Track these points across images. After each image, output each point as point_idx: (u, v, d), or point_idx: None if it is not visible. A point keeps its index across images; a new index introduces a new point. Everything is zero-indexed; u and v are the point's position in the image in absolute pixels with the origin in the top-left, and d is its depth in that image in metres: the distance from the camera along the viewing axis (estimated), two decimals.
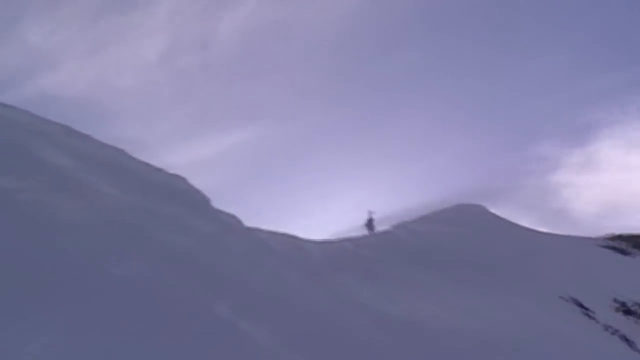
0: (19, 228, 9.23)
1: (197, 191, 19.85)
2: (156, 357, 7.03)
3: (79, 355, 5.97)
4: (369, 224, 40.79)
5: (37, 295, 7.00)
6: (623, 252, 42.05)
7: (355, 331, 15.40)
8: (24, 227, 9.32)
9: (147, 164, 19.67)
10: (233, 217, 20.29)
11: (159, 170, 19.77)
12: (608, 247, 42.83)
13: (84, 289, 8.21)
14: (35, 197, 10.74)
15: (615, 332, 31.27)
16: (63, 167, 13.86)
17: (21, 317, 6.04)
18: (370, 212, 42.16)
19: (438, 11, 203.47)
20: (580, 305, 32.57)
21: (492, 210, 46.76)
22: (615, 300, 34.16)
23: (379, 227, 41.04)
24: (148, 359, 6.88)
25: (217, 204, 20.02)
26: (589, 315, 32.01)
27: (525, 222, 46.27)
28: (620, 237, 44.54)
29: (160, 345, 7.51)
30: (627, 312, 33.62)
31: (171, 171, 20.27)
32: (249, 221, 22.33)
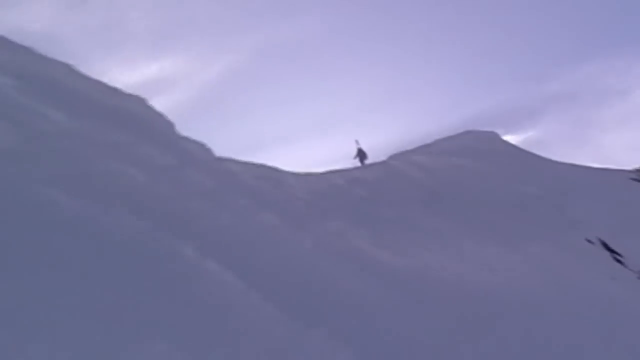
0: None
1: (159, 115, 19.73)
2: (108, 298, 7.09)
3: (12, 296, 6.11)
4: (359, 154, 40.53)
5: None
6: None
7: (341, 282, 15.46)
8: None
9: (98, 83, 19.47)
10: (201, 145, 20.17)
11: (114, 90, 19.58)
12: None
13: (20, 223, 8.25)
14: None
15: None
16: None
17: None
18: (356, 142, 42.38)
19: None
20: (611, 250, 32.72)
21: (506, 138, 46.64)
22: None
23: (373, 159, 40.80)
24: (98, 300, 6.90)
25: (184, 130, 19.95)
26: (620, 262, 32.20)
27: (545, 153, 46.35)
28: None
29: (112, 286, 7.56)
30: None
31: (128, 91, 20.12)
32: (221, 150, 22.21)
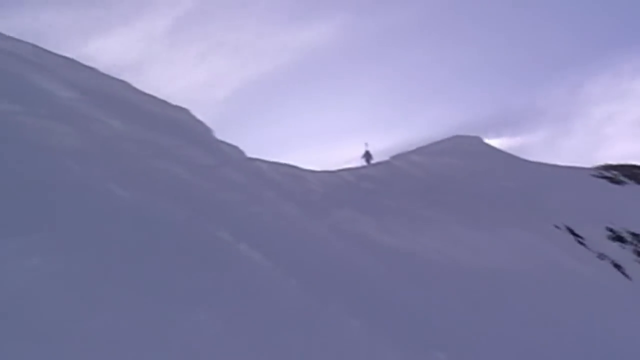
0: (25, 151, 9.33)
1: (200, 122, 19.81)
2: (155, 275, 7.06)
3: (77, 271, 6.03)
4: (366, 155, 41.34)
5: (38, 214, 7.04)
6: (615, 181, 42.28)
7: (352, 261, 15.45)
8: (29, 151, 9.42)
9: (150, 96, 19.64)
10: (235, 148, 20.24)
11: (162, 102, 19.74)
12: (601, 176, 43.06)
13: (83, 211, 8.25)
14: (41, 124, 10.91)
15: (606, 258, 31.92)
16: (67, 98, 13.93)
17: (23, 234, 6.08)
18: (365, 144, 42.94)
19: None
20: (575, 234, 32.96)
21: (487, 141, 46.98)
22: (608, 229, 34.37)
23: (378, 159, 41.34)
24: (149, 276, 6.90)
25: (221, 135, 19.97)
26: (583, 244, 32.44)
27: (523, 155, 46.73)
28: (612, 167, 44.70)
29: (159, 264, 7.55)
30: (619, 239, 34.06)
31: (175, 103, 20.28)
32: (252, 152, 22.17)
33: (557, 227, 32.95)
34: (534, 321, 17.26)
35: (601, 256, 32.04)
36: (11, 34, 17.88)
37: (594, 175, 43.10)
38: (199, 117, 20.17)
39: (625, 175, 43.47)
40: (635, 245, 33.91)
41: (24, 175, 8.42)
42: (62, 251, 6.26)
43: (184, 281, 7.47)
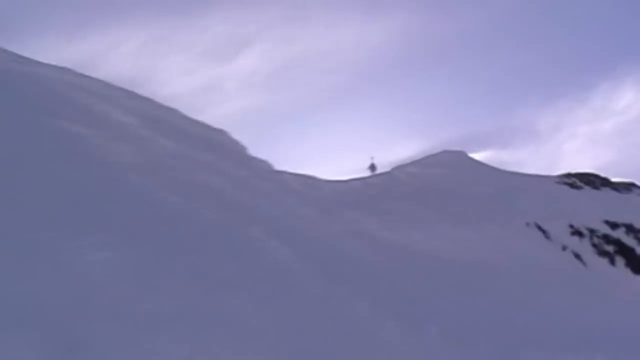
0: (89, 165, 9.47)
1: (236, 142, 19.91)
2: (201, 266, 7.16)
3: (138, 262, 6.16)
4: (372, 167, 41.57)
5: (107, 217, 7.15)
6: (575, 186, 42.48)
7: (359, 253, 15.54)
8: (93, 165, 9.57)
9: (194, 120, 19.82)
10: (264, 162, 20.30)
11: (205, 125, 19.89)
12: (563, 183, 43.16)
13: (142, 214, 8.39)
14: (103, 143, 10.98)
15: (567, 249, 32.53)
16: (125, 123, 14.06)
17: (87, 234, 6.15)
18: (371, 157, 43.25)
19: None
20: (542, 230, 33.14)
21: (471, 154, 47.10)
22: (569, 225, 34.49)
23: (381, 170, 41.52)
24: (197, 267, 7.00)
25: (254, 151, 20.08)
26: (548, 238, 32.75)
27: (501, 166, 46.81)
28: (572, 175, 44.77)
29: (204, 257, 7.66)
30: (578, 234, 34.41)
31: (216, 126, 20.44)
32: (279, 165, 22.30)
33: (527, 224, 33.22)
34: (508, 301, 17.31)
35: (563, 248, 32.32)
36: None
37: (557, 182, 43.23)
38: (235, 137, 20.34)
39: (582, 182, 43.64)
40: (591, 238, 34.09)
41: (94, 185, 8.56)
42: (126, 246, 6.39)
43: (226, 270, 7.58)
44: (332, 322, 8.09)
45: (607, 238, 34.39)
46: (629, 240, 34.64)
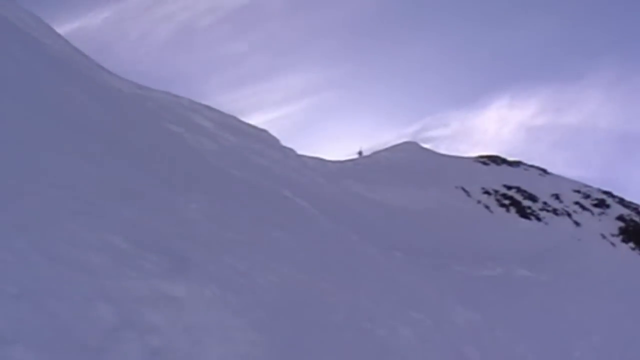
0: (185, 151, 9.53)
1: (273, 136, 19.79)
2: (254, 212, 7.12)
3: (216, 212, 6.04)
4: (359, 152, 41.39)
5: (194, 183, 7.15)
6: (485, 163, 42.43)
7: (352, 206, 15.68)
8: (187, 151, 9.66)
9: (247, 123, 19.66)
10: (291, 149, 20.19)
11: (255, 127, 19.75)
12: (478, 161, 42.96)
13: (218, 181, 8.52)
14: (192, 137, 11.04)
15: (481, 203, 32.74)
16: (205, 125, 14.00)
17: (187, 192, 6.16)
18: (359, 147, 42.85)
19: None
20: (465, 191, 33.21)
21: (422, 144, 46.77)
22: (482, 188, 34.66)
23: (365, 154, 41.33)
24: (250, 214, 6.95)
25: (284, 142, 20.03)
26: (469, 196, 32.81)
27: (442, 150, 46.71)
28: (483, 157, 44.46)
29: (256, 207, 7.67)
30: (487, 193, 34.49)
31: (261, 126, 20.37)
32: (300, 150, 22.32)
33: (455, 187, 33.14)
34: (442, 233, 17.48)
35: (478, 202, 32.40)
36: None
37: (474, 161, 43.02)
38: (273, 133, 20.28)
39: (490, 160, 43.37)
40: (495, 195, 34.32)
41: (189, 163, 8.67)
42: (207, 199, 6.38)
43: (269, 215, 7.59)
44: (335, 246, 8.20)
45: (504, 195, 34.72)
46: (518, 197, 35.10)
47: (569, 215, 35.04)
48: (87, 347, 2.42)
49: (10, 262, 2.63)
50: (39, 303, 2.44)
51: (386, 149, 43.09)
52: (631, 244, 32.48)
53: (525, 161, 45.32)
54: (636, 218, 35.76)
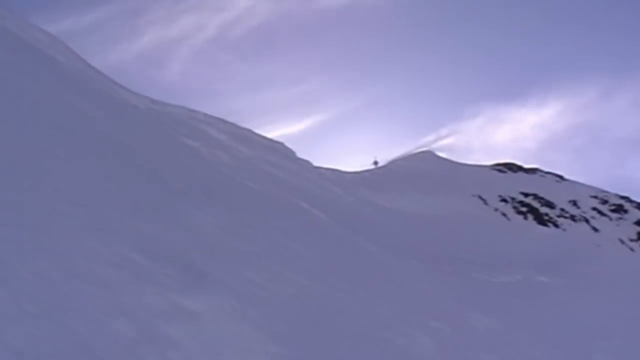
0: (200, 163, 9.62)
1: (288, 148, 19.90)
2: (270, 224, 7.15)
3: (230, 222, 6.09)
4: (375, 162, 41.24)
5: (210, 195, 7.12)
6: (501, 171, 41.92)
7: (366, 214, 15.61)
8: (203, 163, 9.73)
9: (263, 136, 19.78)
10: (307, 161, 20.28)
11: (270, 139, 19.87)
12: (494, 169, 42.48)
13: (233, 191, 8.55)
14: (207, 150, 11.17)
15: (498, 210, 32.32)
16: (220, 138, 14.17)
17: (203, 204, 6.17)
18: (375, 157, 42.94)
19: None
20: (482, 199, 32.86)
21: (438, 153, 46.46)
22: (499, 195, 34.23)
23: (381, 164, 41.22)
24: (266, 225, 6.96)
25: (301, 154, 20.15)
26: (486, 204, 32.44)
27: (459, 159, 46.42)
28: (500, 164, 43.96)
29: (272, 219, 7.67)
30: (504, 200, 34.17)
31: (277, 139, 20.49)
32: (316, 162, 22.49)
33: (472, 195, 32.80)
34: (461, 239, 17.33)
35: (495, 209, 32.02)
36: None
37: (491, 169, 42.58)
38: (288, 145, 20.41)
39: (506, 168, 42.90)
40: (512, 203, 33.90)
41: (204, 175, 8.70)
42: (224, 212, 6.41)
43: (286, 226, 7.60)
44: (353, 256, 8.15)
45: (521, 203, 34.31)
46: (535, 204, 34.67)
47: (586, 221, 34.48)
48: None
49: (30, 280, 2.62)
50: (58, 320, 2.43)
51: (402, 158, 42.91)
52: None
53: (541, 168, 44.96)
54: None
